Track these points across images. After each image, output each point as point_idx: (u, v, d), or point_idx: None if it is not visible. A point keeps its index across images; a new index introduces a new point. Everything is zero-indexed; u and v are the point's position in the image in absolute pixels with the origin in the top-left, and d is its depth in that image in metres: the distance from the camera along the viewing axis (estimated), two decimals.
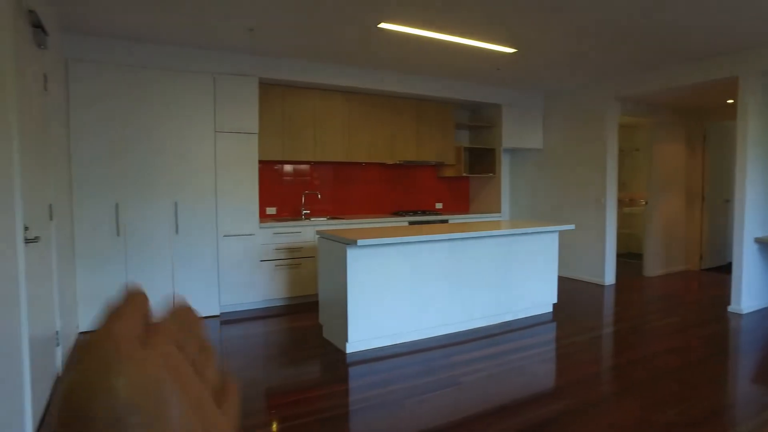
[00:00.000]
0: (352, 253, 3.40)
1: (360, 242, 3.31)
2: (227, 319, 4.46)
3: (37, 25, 2.79)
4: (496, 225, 4.63)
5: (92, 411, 0.20)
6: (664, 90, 5.35)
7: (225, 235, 4.55)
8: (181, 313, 0.29)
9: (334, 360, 3.47)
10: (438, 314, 3.89)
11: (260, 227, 4.73)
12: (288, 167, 5.48)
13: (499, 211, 6.41)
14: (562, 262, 6.11)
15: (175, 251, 4.33)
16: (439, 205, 6.55)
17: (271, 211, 5.38)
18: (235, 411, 0.28)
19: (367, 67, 5.19)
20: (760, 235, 4.75)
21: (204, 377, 0.27)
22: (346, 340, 3.48)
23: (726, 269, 6.02)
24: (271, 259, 4.79)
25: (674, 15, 3.62)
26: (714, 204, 6.85)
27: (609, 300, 5.35)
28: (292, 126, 5.12)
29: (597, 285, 5.90)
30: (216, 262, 4.52)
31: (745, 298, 4.66)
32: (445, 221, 5.74)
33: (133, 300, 0.25)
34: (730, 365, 3.52)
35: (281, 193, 5.45)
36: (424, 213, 5.91)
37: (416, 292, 3.74)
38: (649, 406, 2.77)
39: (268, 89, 4.95)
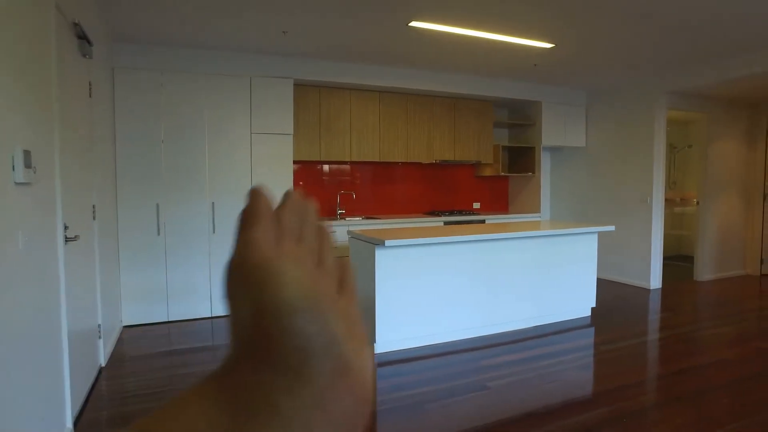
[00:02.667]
0: (380, 254, 3.40)
1: (388, 243, 3.30)
2: None
3: (82, 37, 2.95)
4: (532, 226, 4.51)
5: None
6: (719, 83, 5.04)
7: None
8: (296, 203, 0.29)
9: None
10: (468, 316, 3.83)
11: None
12: (324, 167, 5.55)
13: (538, 212, 6.24)
14: (606, 265, 5.89)
15: (213, 250, 4.47)
16: (476, 205, 6.45)
17: None
18: (355, 296, 0.29)
19: (400, 66, 5.18)
20: None
21: (326, 268, 0.28)
22: (374, 340, 3.48)
23: None
24: None
25: (726, 2, 3.40)
26: None
27: (654, 305, 5.10)
28: (328, 126, 5.18)
29: (642, 289, 5.64)
30: None
31: None
32: (482, 221, 5.64)
33: (264, 204, 0.26)
34: None
35: (317, 193, 5.52)
36: (460, 213, 5.84)
37: (446, 293, 3.69)
38: (693, 422, 2.61)
39: (305, 90, 5.02)
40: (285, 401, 0.22)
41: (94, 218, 3.18)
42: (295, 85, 4.86)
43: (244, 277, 0.23)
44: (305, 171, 5.43)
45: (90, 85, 3.17)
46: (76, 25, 2.78)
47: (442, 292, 3.68)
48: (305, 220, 0.28)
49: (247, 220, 0.25)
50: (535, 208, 6.25)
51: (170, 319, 4.34)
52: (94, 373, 3.08)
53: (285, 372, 0.22)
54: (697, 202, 6.31)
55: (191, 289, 4.40)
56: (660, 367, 3.51)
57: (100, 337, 3.23)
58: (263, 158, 4.67)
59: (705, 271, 6.21)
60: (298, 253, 0.26)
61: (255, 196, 0.26)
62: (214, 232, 4.47)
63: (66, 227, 2.43)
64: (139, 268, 4.21)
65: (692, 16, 3.65)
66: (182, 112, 4.32)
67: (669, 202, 7.88)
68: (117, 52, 4.15)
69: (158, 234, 4.26)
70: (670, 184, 8.17)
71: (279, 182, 4.73)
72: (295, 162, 5.04)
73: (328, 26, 3.92)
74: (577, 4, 3.45)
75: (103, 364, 3.30)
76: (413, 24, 3.88)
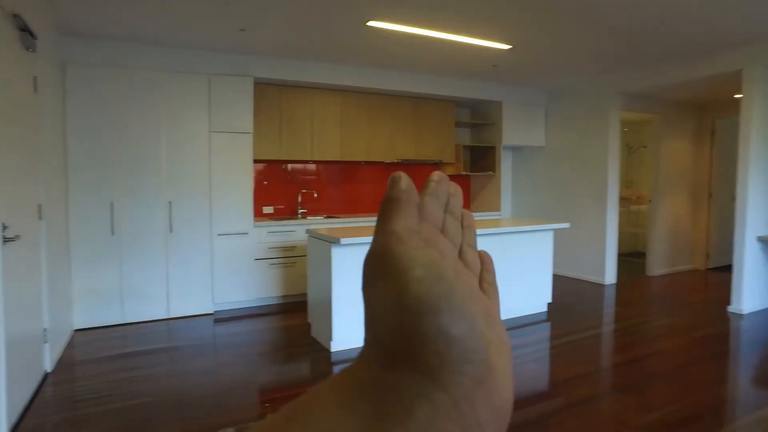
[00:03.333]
0: (336, 252, 3.41)
1: (343, 241, 3.31)
2: (221, 317, 4.51)
3: (24, 29, 2.85)
4: (492, 223, 4.59)
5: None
6: (669, 85, 5.25)
7: (219, 234, 4.60)
8: (444, 194, 0.27)
9: (320, 358, 3.48)
10: None
11: (255, 226, 4.77)
12: (285, 166, 5.51)
13: (499, 210, 6.36)
14: (563, 261, 6.05)
15: (170, 250, 4.39)
16: None
17: (268, 210, 5.42)
18: (497, 294, 0.28)
19: (362, 66, 5.19)
20: (763, 233, 4.63)
21: (469, 263, 0.27)
22: (330, 338, 3.49)
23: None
24: (266, 258, 4.82)
25: (677, 8, 3.54)
26: (721, 202, 6.69)
27: (608, 300, 5.27)
28: (289, 125, 5.15)
29: (597, 284, 5.82)
30: (210, 260, 4.57)
31: (747, 299, 4.55)
32: None
33: (406, 192, 0.24)
34: (724, 367, 3.44)
35: (278, 192, 5.48)
36: None
37: None
38: (633, 407, 2.72)
39: (265, 89, 4.98)
40: (420, 407, 0.20)
41: (40, 217, 3.07)
42: (255, 83, 4.81)
43: (385, 270, 0.22)
44: (266, 170, 5.39)
45: (35, 79, 3.06)
46: (16, 16, 2.68)
47: None
48: (449, 210, 0.27)
49: (390, 209, 0.23)
50: (496, 207, 6.37)
51: (125, 322, 4.23)
52: (38, 379, 2.98)
53: (423, 375, 0.21)
54: (650, 201, 6.55)
55: (147, 290, 4.31)
56: (609, 358, 3.63)
57: (45, 342, 3.12)
58: (222, 157, 4.61)
59: (656, 266, 6.46)
60: (443, 245, 0.24)
61: (397, 183, 0.24)
62: (171, 231, 4.39)
63: (5, 227, 2.35)
64: (92, 269, 4.09)
65: (641, 21, 3.79)
66: (138, 110, 4.22)
67: (625, 201, 8.16)
68: (68, 47, 4.02)
69: (112, 234, 4.15)
70: (627, 183, 8.46)
71: (238, 181, 4.68)
72: (255, 161, 4.99)
73: (287, 24, 3.90)
74: (533, 8, 3.54)
75: (49, 370, 3.19)
76: (371, 23, 3.89)
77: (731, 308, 4.60)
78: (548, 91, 6.47)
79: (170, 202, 4.38)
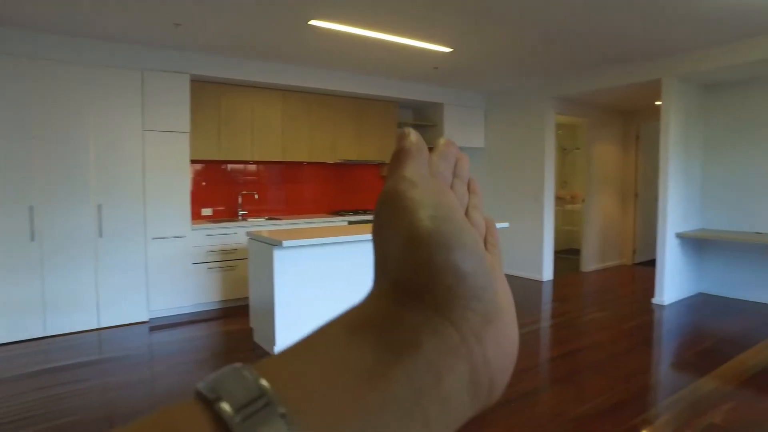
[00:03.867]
0: (278, 255, 3.34)
1: (286, 243, 3.25)
2: (157, 325, 4.30)
3: None
4: None
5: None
6: (597, 91, 5.54)
7: (154, 238, 4.39)
8: (452, 157, 0.28)
9: None
10: None
11: (192, 229, 4.59)
12: (225, 167, 5.34)
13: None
14: (504, 260, 6.23)
15: (100, 256, 4.13)
16: None
17: (206, 212, 5.23)
18: (500, 256, 0.28)
19: (303, 65, 5.12)
20: (681, 230, 4.99)
21: (474, 222, 0.27)
22: (274, 343, 3.41)
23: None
24: (204, 262, 4.65)
25: (604, 21, 3.74)
26: (646, 201, 7.15)
27: (545, 296, 5.50)
28: (228, 125, 4.99)
29: (535, 281, 6.06)
30: (144, 266, 4.35)
31: (668, 291, 4.88)
32: None
33: (417, 144, 0.26)
34: (648, 355, 3.67)
35: (217, 194, 5.30)
36: (365, 212, 5.90)
37: (345, 294, 3.70)
38: (568, 399, 2.85)
39: (203, 87, 4.80)
40: (429, 340, 0.21)
41: None
42: (192, 81, 4.64)
43: (398, 209, 0.22)
44: (204, 170, 5.20)
45: None
46: None
47: (344, 291, 3.69)
48: (457, 173, 0.28)
49: (401, 157, 0.25)
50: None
51: (48, 334, 3.94)
52: None
53: (433, 311, 0.21)
54: (583, 200, 6.89)
55: (74, 299, 4.03)
56: (547, 353, 3.78)
57: None
58: (157, 157, 4.40)
59: (589, 262, 6.80)
60: (452, 199, 0.25)
61: (407, 136, 0.26)
62: (101, 236, 4.14)
63: None
64: (8, 279, 3.78)
65: (571, 31, 3.97)
66: (61, 106, 3.95)
67: (561, 200, 8.54)
68: None
69: (32, 240, 3.86)
70: (562, 183, 8.86)
71: (175, 182, 4.49)
72: (193, 161, 4.81)
73: (225, 20, 3.78)
74: (471, 13, 3.62)
75: None
76: (313, 23, 3.85)
77: (655, 300, 4.92)
78: (487, 94, 6.66)
79: (100, 205, 4.13)
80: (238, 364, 0.20)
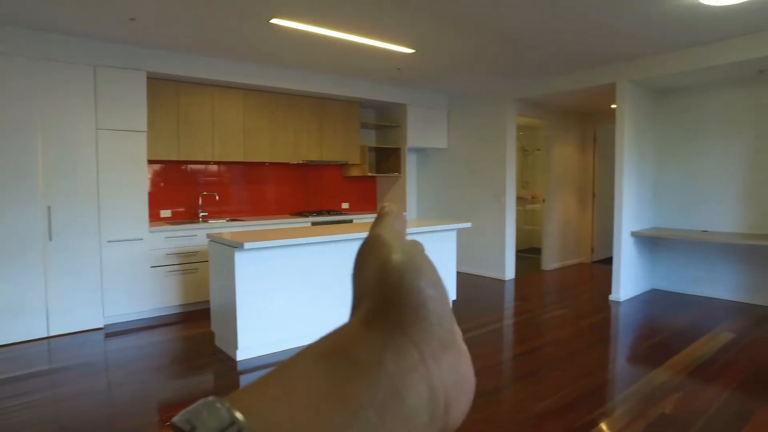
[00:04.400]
0: (240, 257, 3.27)
1: (247, 245, 3.19)
2: (113, 331, 4.14)
3: None
4: None
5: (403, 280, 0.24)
6: (556, 94, 5.69)
7: (109, 241, 4.22)
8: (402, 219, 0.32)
9: (225, 368, 3.32)
10: (336, 316, 3.84)
11: (150, 231, 4.44)
12: (184, 167, 5.20)
13: (404, 210, 6.49)
14: (466, 259, 6.33)
15: (49, 260, 3.95)
16: (345, 205, 6.53)
17: (165, 213, 5.08)
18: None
19: (265, 64, 5.04)
20: (635, 229, 5.18)
21: None
22: (236, 347, 3.34)
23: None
24: (163, 265, 4.51)
25: (561, 26, 3.83)
26: (603, 201, 7.39)
27: (507, 294, 5.60)
28: (188, 124, 4.86)
29: (498, 280, 6.16)
30: (99, 270, 4.18)
31: (624, 287, 5.06)
32: (350, 221, 5.73)
33: (399, 216, 0.30)
34: (606, 351, 3.79)
35: (177, 195, 5.16)
36: (328, 213, 5.86)
37: (309, 296, 3.67)
38: (530, 396, 2.90)
39: (161, 85, 4.66)
40: (391, 359, 0.22)
41: None
42: (149, 78, 4.49)
43: (375, 247, 0.26)
44: (163, 171, 5.05)
45: None
46: None
47: (307, 293, 3.65)
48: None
49: (381, 217, 0.29)
50: (402, 208, 6.48)
51: None
52: None
53: (398, 331, 0.23)
54: (543, 200, 7.06)
55: (20, 306, 3.83)
56: (509, 351, 3.85)
57: None
58: (112, 157, 4.23)
59: (550, 261, 6.98)
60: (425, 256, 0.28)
61: (388, 204, 0.31)
62: (51, 239, 3.95)
63: None
64: None
65: (531, 35, 4.06)
66: (4, 101, 3.74)
67: (522, 200, 8.74)
68: None
69: None
70: (523, 183, 9.05)
71: (131, 183, 4.33)
72: (150, 161, 4.66)
73: (182, 16, 3.68)
74: (432, 14, 3.65)
75: None
76: (275, 21, 3.79)
77: (612, 297, 5.09)
78: (450, 95, 6.73)
79: (49, 207, 3.94)
80: (211, 398, 0.21)
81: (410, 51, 4.60)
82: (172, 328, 4.25)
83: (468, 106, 6.54)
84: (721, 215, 5.11)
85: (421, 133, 6.44)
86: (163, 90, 4.68)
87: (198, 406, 0.20)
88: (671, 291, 5.46)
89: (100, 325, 4.20)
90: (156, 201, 4.94)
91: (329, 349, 0.23)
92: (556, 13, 3.60)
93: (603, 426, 2.53)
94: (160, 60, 4.47)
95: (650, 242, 5.45)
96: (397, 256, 0.24)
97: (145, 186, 4.42)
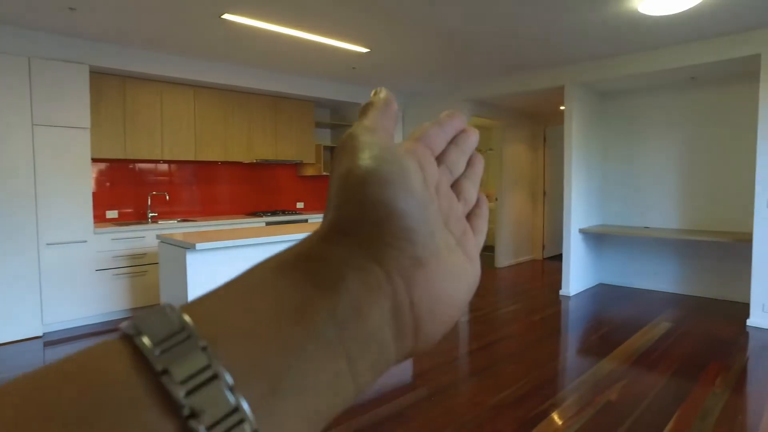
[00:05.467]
0: (192, 258, 3.17)
1: (199, 246, 3.10)
2: (53, 340, 3.92)
3: None
4: None
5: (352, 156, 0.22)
6: (507, 95, 5.84)
7: (49, 244, 4.00)
8: (452, 127, 0.29)
9: None
10: None
11: (95, 233, 4.24)
12: (132, 166, 4.99)
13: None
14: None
15: None
16: (300, 205, 6.46)
17: (111, 214, 4.86)
18: (485, 225, 0.29)
19: (217, 61, 4.92)
20: (583, 226, 5.40)
21: (460, 192, 0.28)
22: None
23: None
24: (109, 268, 4.32)
25: (512, 29, 3.93)
26: (553, 199, 7.66)
27: None
28: (135, 121, 4.67)
29: None
30: (37, 274, 3.94)
31: (573, 282, 5.26)
32: (305, 221, 5.67)
33: (386, 107, 0.26)
34: (557, 343, 3.93)
35: (124, 195, 4.94)
36: (283, 213, 5.78)
37: None
38: (485, 389, 2.97)
39: (106, 79, 4.45)
40: (353, 277, 0.21)
41: None
42: (93, 72, 4.29)
43: (347, 149, 0.23)
44: (109, 170, 4.82)
45: None
46: None
47: None
48: (457, 142, 0.28)
49: (367, 109, 0.26)
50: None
51: None
52: None
53: (359, 247, 0.21)
54: (496, 199, 7.24)
55: None
56: (466, 346, 3.92)
57: None
58: (51, 154, 4.01)
59: (503, 258, 7.16)
60: (425, 160, 0.25)
61: (378, 92, 0.27)
62: None
63: None
64: None
65: (481, 36, 4.15)
66: None
67: None
68: None
69: None
70: None
71: (73, 183, 4.12)
72: (95, 160, 4.46)
73: (127, 8, 3.53)
74: (384, 14, 3.66)
75: None
76: (227, 16, 3.70)
77: (562, 292, 5.28)
78: (405, 95, 6.79)
79: None
80: (164, 303, 0.19)
81: (365, 50, 4.60)
82: None
83: (422, 105, 6.61)
84: (661, 212, 5.40)
85: None
86: (108, 85, 4.47)
87: (147, 312, 0.19)
88: (616, 285, 5.72)
89: (39, 334, 3.97)
90: (102, 201, 4.72)
91: (288, 265, 0.22)
92: (509, 16, 3.69)
93: (554, 416, 2.62)
94: (105, 53, 4.27)
95: (597, 239, 5.69)
96: (363, 163, 0.22)
97: (89, 185, 4.21)
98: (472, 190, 0.29)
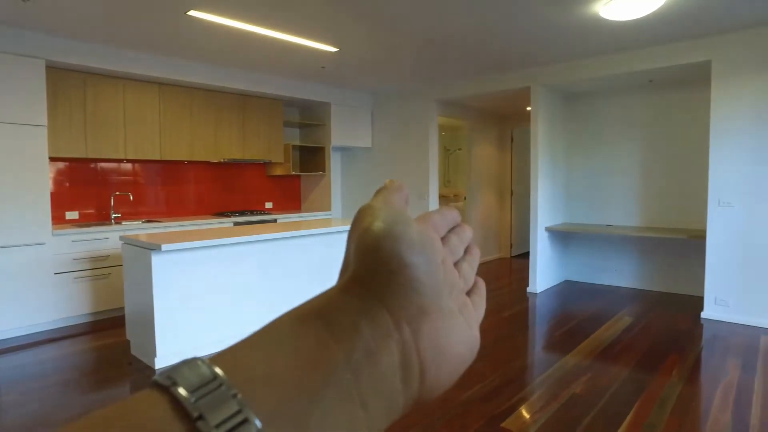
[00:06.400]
0: (157, 260, 3.10)
1: (165, 247, 3.03)
2: (6, 348, 3.75)
3: None
4: (322, 224, 4.64)
5: (386, 246, 0.24)
6: (475, 95, 5.93)
7: (2, 246, 3.83)
8: (451, 218, 0.32)
9: (143, 378, 3.13)
10: (259, 318, 3.74)
11: (54, 234, 4.08)
12: (93, 165, 4.83)
13: (330, 209, 6.48)
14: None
15: None
16: (269, 205, 6.39)
17: (72, 215, 4.69)
18: (483, 304, 0.32)
19: (182, 58, 4.81)
20: (549, 224, 5.53)
21: (460, 272, 0.31)
22: (154, 355, 3.16)
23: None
24: (69, 271, 4.17)
25: (479, 31, 3.99)
26: (520, 198, 7.81)
27: None
28: (96, 119, 4.52)
29: None
30: None
31: (540, 280, 5.38)
32: (274, 221, 5.61)
33: (398, 190, 0.30)
34: (525, 339, 4.02)
35: (85, 195, 4.78)
36: (252, 213, 5.70)
37: (231, 298, 3.55)
38: (455, 385, 2.98)
39: (65, 76, 4.29)
40: (367, 326, 0.23)
41: None
42: (50, 68, 4.13)
43: (364, 215, 0.26)
44: (69, 170, 4.66)
45: None
46: None
47: (230, 295, 3.53)
48: (456, 231, 0.32)
49: (380, 191, 0.29)
50: (327, 207, 6.48)
51: None
52: None
53: (373, 297, 0.24)
54: (465, 198, 7.33)
55: None
56: None
57: None
58: (5, 153, 3.84)
59: None
60: (432, 234, 0.28)
61: (391, 182, 0.30)
62: None
63: None
64: None
65: (450, 38, 4.19)
66: None
67: (445, 198, 9.00)
68: None
69: None
70: (445, 182, 9.34)
71: (29, 182, 3.96)
72: (53, 159, 4.30)
73: (87, 1, 3.41)
74: (353, 13, 3.66)
75: None
76: (192, 13, 3.63)
77: (529, 289, 5.40)
78: (374, 94, 6.80)
79: None
80: (191, 357, 0.21)
81: (334, 49, 4.58)
82: (81, 339, 3.93)
83: (391, 105, 6.64)
84: (622, 210, 5.58)
85: (346, 132, 6.45)
86: (67, 81, 4.32)
87: (179, 363, 0.21)
88: (581, 281, 5.88)
89: None
90: (61, 202, 4.56)
91: (308, 313, 0.24)
92: (476, 18, 3.75)
93: (522, 410, 2.68)
94: (63, 48, 4.12)
95: (563, 237, 5.84)
96: (377, 224, 0.25)
97: (46, 185, 4.06)
98: (470, 272, 0.32)
